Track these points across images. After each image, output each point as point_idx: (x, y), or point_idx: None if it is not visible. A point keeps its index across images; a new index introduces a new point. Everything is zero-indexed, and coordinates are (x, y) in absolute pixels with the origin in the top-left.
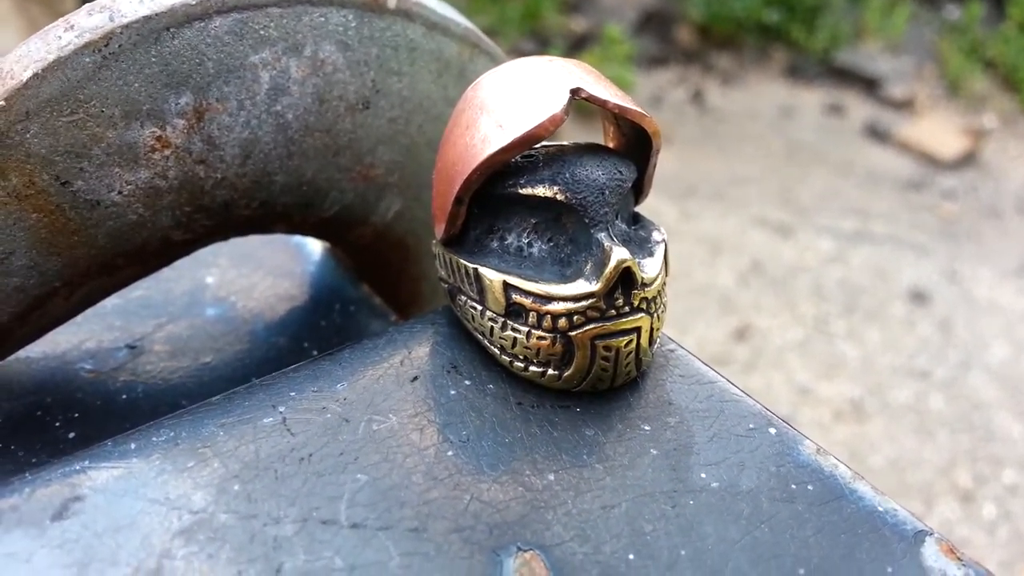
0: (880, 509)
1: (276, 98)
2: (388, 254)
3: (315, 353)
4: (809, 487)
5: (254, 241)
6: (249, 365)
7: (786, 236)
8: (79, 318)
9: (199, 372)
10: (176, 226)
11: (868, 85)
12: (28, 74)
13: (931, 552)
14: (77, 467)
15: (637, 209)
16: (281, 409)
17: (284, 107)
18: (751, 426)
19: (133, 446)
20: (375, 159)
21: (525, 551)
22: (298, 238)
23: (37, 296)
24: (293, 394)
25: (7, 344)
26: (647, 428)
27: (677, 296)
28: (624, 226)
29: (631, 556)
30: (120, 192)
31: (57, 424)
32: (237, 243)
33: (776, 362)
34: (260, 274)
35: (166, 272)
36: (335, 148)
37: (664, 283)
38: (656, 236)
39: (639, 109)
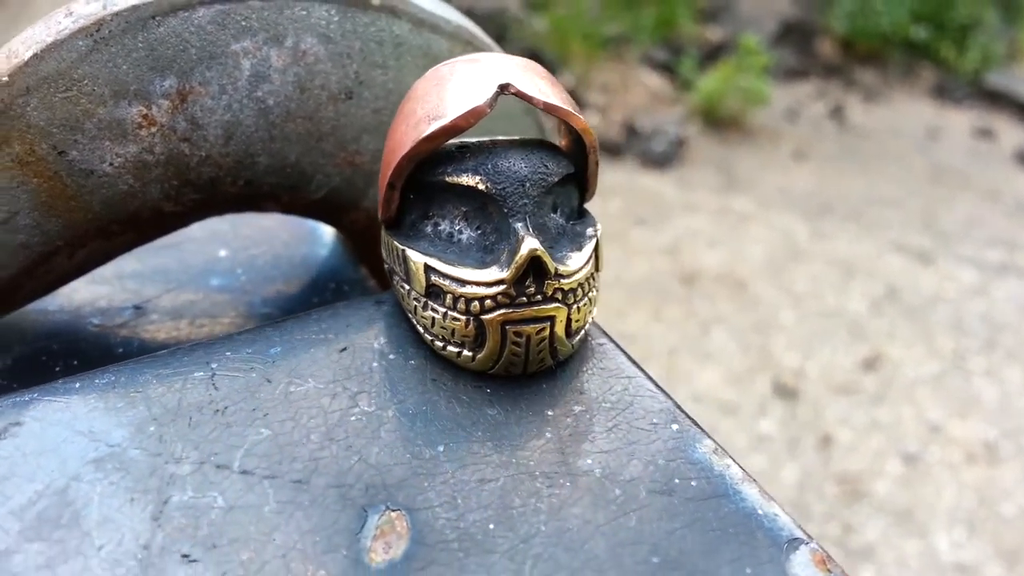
0: (760, 512)
1: (257, 85)
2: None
3: None
4: (693, 483)
5: (271, 221)
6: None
7: (926, 263)
8: (96, 278)
9: (192, 335)
10: (166, 198)
11: (1021, 110)
12: (29, 54)
13: (801, 561)
14: (27, 398)
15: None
16: (213, 366)
17: (265, 93)
18: (655, 421)
19: (78, 385)
20: (360, 147)
21: (393, 511)
22: (312, 222)
23: (41, 253)
24: (229, 354)
25: (18, 296)
26: (550, 413)
27: (803, 318)
28: (561, 220)
29: (491, 526)
30: (111, 164)
31: (57, 369)
32: (255, 222)
33: (907, 396)
34: (268, 251)
35: (187, 244)
36: (318, 134)
37: (591, 277)
38: (590, 232)
39: (567, 107)
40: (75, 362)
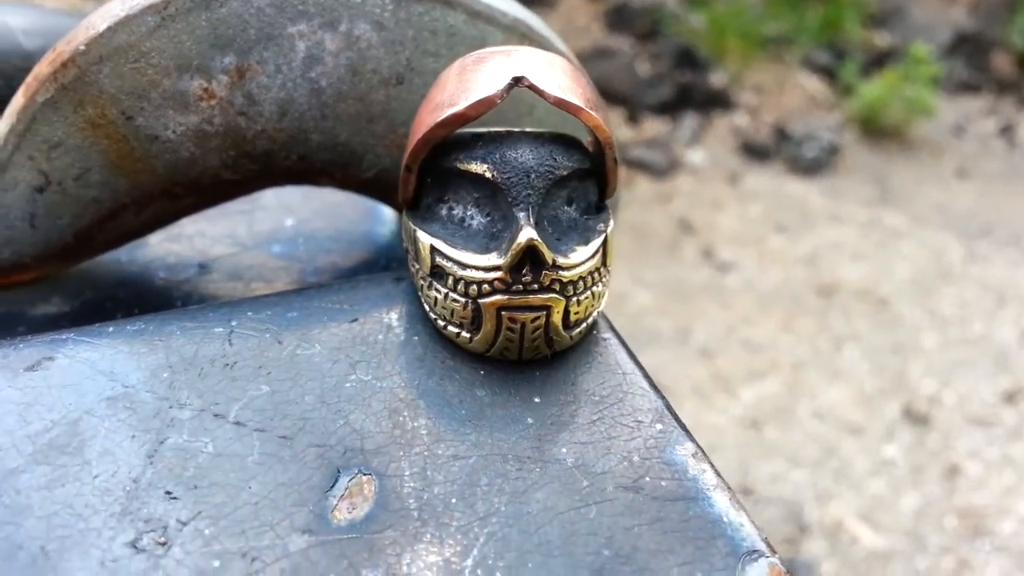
0: (725, 520)
1: (311, 66)
2: None
3: None
4: (663, 483)
5: (339, 196)
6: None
7: None
8: (171, 236)
9: (244, 296)
10: (224, 167)
11: None
12: (104, 26)
13: (757, 572)
14: (64, 337)
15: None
16: (233, 323)
17: (318, 75)
18: (640, 419)
19: (111, 329)
20: (409, 131)
21: (365, 475)
22: (378, 202)
23: (111, 209)
24: (250, 313)
25: (91, 246)
26: (537, 400)
27: (946, 344)
28: (575, 213)
29: (454, 500)
30: (174, 131)
31: (118, 316)
32: (324, 197)
33: None
34: (331, 225)
35: (257, 212)
36: (368, 116)
37: (596, 271)
38: (601, 227)
39: (579, 103)
40: (136, 311)
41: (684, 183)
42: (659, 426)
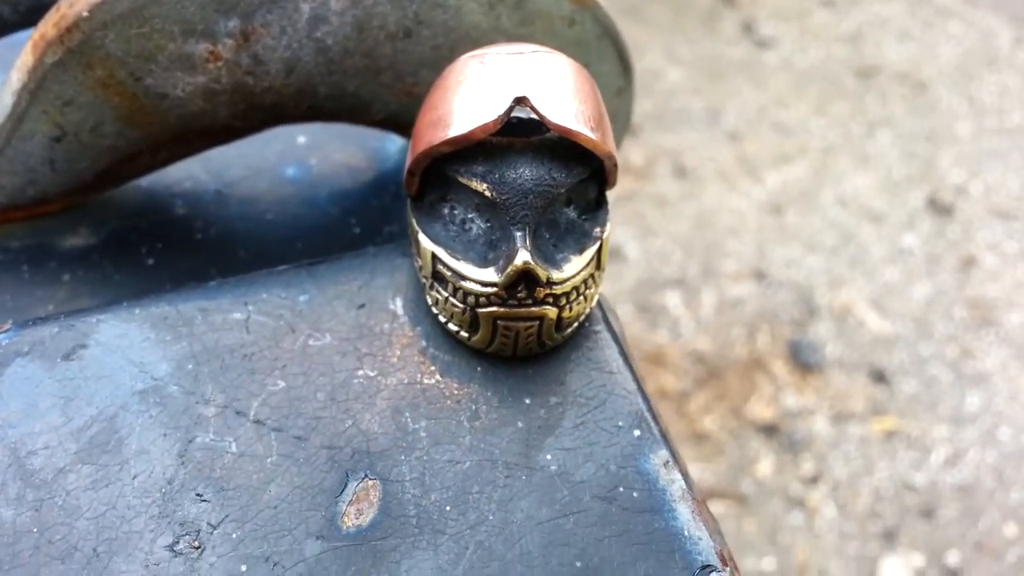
0: (686, 533)
1: (316, 26)
2: None
3: (357, 231)
4: (635, 494)
5: None
6: (299, 228)
7: None
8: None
9: (259, 226)
10: (234, 117)
11: None
12: None
13: None
14: (93, 319)
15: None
16: (250, 308)
17: (323, 34)
18: (620, 424)
19: (137, 311)
20: (418, 79)
21: (371, 479)
22: None
23: (127, 154)
24: (265, 296)
25: (110, 182)
26: (528, 401)
27: (980, 132)
28: (573, 214)
29: (448, 508)
30: (183, 90)
31: (143, 250)
32: None
33: None
34: (344, 145)
35: (271, 132)
36: (375, 69)
37: (590, 276)
38: (597, 231)
39: (579, 128)
40: (159, 245)
41: None
42: (636, 432)
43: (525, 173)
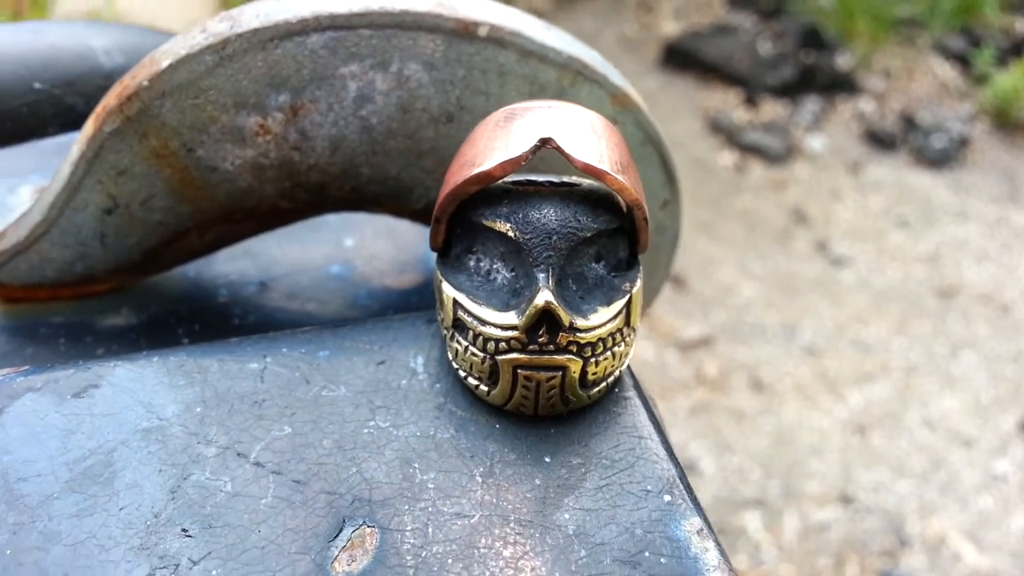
0: None
1: (362, 104)
2: None
3: None
4: (663, 560)
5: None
6: (336, 321)
7: None
8: (237, 254)
9: (298, 315)
10: (281, 196)
11: None
12: (166, 63)
13: None
14: (112, 364)
15: None
16: (268, 360)
17: (368, 113)
18: (648, 488)
19: (155, 359)
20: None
21: (369, 527)
22: None
23: (175, 231)
24: (285, 350)
25: (157, 264)
26: (547, 460)
27: None
28: (603, 270)
29: (450, 561)
30: (232, 163)
31: (179, 331)
32: (385, 218)
33: None
34: (390, 247)
35: (322, 231)
36: (418, 152)
37: (619, 331)
38: (626, 287)
39: (604, 168)
40: (197, 327)
41: (801, 170)
42: (667, 497)
43: (549, 214)
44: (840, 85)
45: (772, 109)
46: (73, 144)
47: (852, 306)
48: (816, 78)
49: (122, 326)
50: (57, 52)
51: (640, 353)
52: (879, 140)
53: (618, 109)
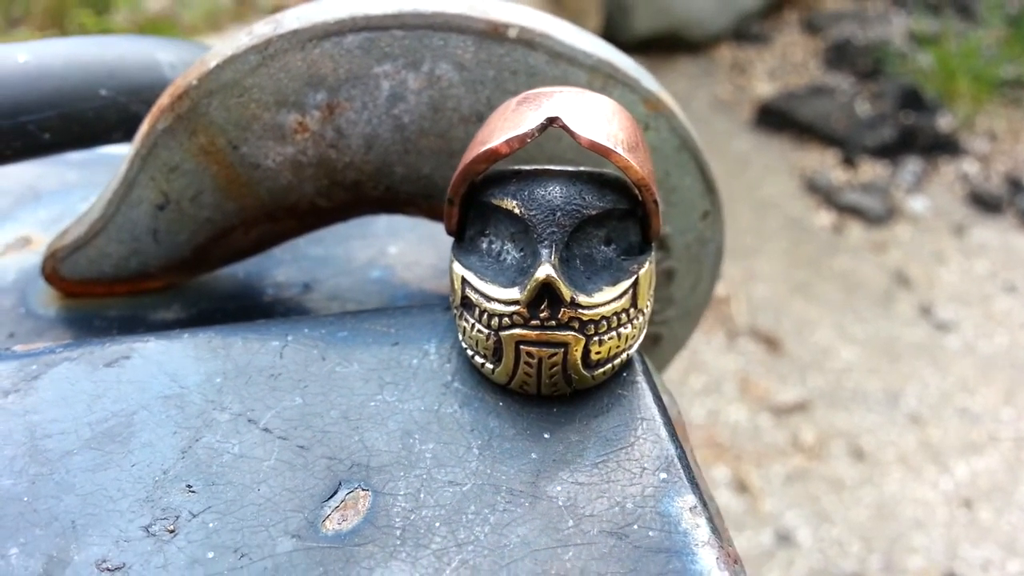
0: None
1: (394, 103)
2: None
3: None
4: (651, 533)
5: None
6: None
7: None
8: (285, 258)
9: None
10: (318, 194)
11: None
12: (213, 63)
13: None
14: (146, 338)
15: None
16: (289, 338)
17: (401, 111)
18: (646, 466)
19: (186, 336)
20: None
21: (363, 490)
22: None
23: (223, 228)
24: (307, 331)
25: (207, 261)
26: (546, 436)
27: None
28: (612, 253)
29: (437, 524)
30: (273, 160)
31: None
32: (429, 225)
33: None
34: (430, 253)
35: (369, 237)
36: (449, 151)
37: (623, 312)
38: (633, 267)
39: (608, 145)
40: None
41: (902, 232)
42: (663, 475)
43: (555, 191)
44: (942, 146)
45: (871, 170)
46: (131, 144)
47: (958, 373)
48: (917, 139)
49: (171, 320)
50: (124, 62)
51: (733, 415)
52: (984, 202)
53: (651, 113)
